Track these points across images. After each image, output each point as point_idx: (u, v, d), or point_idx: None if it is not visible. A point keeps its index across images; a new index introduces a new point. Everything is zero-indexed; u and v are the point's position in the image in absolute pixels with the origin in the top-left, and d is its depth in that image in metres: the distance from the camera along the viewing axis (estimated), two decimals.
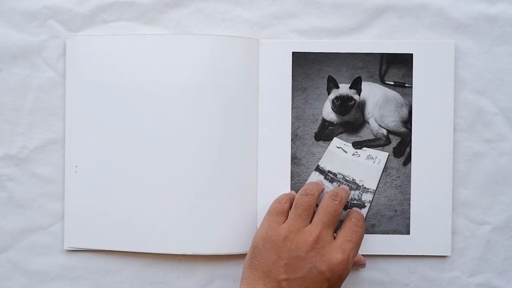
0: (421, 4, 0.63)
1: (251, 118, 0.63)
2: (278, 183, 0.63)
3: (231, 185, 0.62)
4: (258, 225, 0.63)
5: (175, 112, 0.62)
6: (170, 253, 0.63)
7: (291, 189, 0.63)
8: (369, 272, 0.63)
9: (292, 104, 0.63)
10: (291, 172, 0.63)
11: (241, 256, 0.63)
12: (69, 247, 0.63)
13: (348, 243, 0.55)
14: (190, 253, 0.62)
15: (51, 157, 0.64)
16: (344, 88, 0.63)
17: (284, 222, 0.57)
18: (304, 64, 0.63)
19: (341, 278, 0.55)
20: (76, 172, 0.63)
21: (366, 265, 0.63)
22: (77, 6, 0.64)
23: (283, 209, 0.58)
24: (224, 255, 0.63)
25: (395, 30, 0.63)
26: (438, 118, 0.63)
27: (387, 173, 0.63)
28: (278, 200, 0.59)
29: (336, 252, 0.54)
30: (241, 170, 0.62)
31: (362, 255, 0.62)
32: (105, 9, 0.64)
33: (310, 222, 0.56)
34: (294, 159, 0.63)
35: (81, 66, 0.63)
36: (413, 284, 0.63)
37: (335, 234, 0.57)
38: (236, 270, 0.63)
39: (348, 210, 0.60)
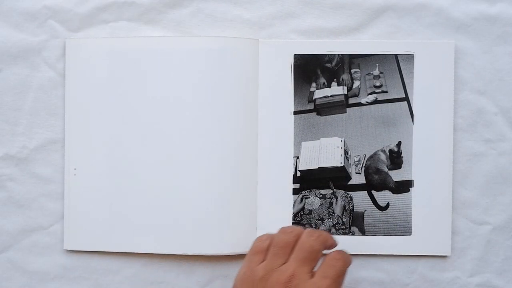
0: (421, 4, 0.63)
1: (251, 118, 0.63)
2: (278, 183, 0.63)
3: (231, 185, 0.62)
4: (258, 225, 0.63)
5: (175, 112, 0.62)
6: (170, 253, 0.63)
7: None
8: (369, 272, 0.63)
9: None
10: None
11: (241, 256, 0.63)
12: (68, 248, 0.63)
13: (324, 279, 0.52)
14: (190, 253, 0.62)
15: (51, 157, 0.64)
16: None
17: (263, 261, 0.54)
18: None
19: None
20: (75, 174, 0.63)
21: (366, 265, 0.63)
22: (77, 6, 0.64)
23: (262, 247, 0.55)
24: (224, 255, 0.63)
25: (395, 30, 0.63)
26: (438, 118, 0.63)
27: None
28: (258, 239, 0.56)
29: None
30: (241, 170, 0.62)
31: (363, 254, 0.62)
32: (105, 9, 0.64)
33: None
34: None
35: (81, 66, 0.63)
36: (413, 284, 0.63)
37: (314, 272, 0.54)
38: (236, 270, 0.63)
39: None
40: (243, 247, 0.62)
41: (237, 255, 0.63)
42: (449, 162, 0.62)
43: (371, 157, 0.63)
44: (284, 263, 0.53)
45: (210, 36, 0.63)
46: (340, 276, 0.53)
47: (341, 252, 0.54)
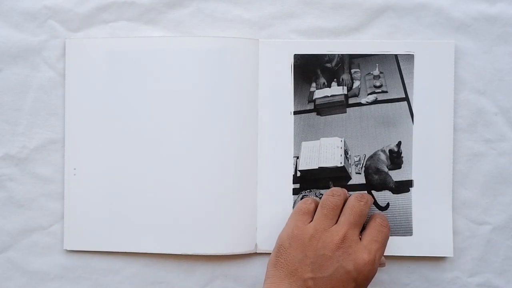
0: (421, 4, 0.63)
1: (251, 118, 0.63)
2: (278, 183, 0.63)
3: (231, 185, 0.62)
4: (258, 225, 0.63)
5: (175, 112, 0.62)
6: (170, 253, 0.63)
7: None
8: None
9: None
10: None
11: (241, 256, 0.63)
12: (68, 249, 0.63)
13: (375, 243, 0.55)
14: (190, 253, 0.62)
15: (51, 157, 0.64)
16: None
17: (310, 222, 0.57)
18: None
19: (367, 278, 0.54)
20: (74, 174, 0.63)
21: None
22: (77, 6, 0.64)
23: (309, 209, 0.57)
24: (224, 255, 0.63)
25: (395, 30, 0.63)
26: (438, 118, 0.63)
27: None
28: (303, 201, 0.58)
29: (362, 252, 0.54)
30: (241, 170, 0.62)
31: None
32: (105, 9, 0.64)
33: (336, 222, 0.56)
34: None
35: (81, 66, 0.63)
36: (413, 284, 0.63)
37: (360, 235, 0.56)
38: (236, 270, 0.63)
39: (371, 213, 0.59)
40: (243, 247, 0.62)
41: (237, 255, 0.63)
42: (449, 162, 0.62)
43: (371, 157, 0.63)
44: (333, 224, 0.56)
45: (210, 36, 0.63)
46: (386, 241, 0.57)
47: (386, 219, 0.57)
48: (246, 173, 0.63)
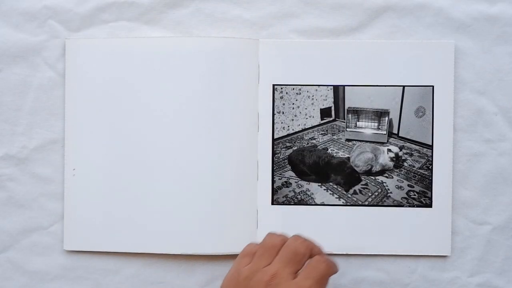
0: (421, 4, 0.63)
1: (251, 118, 0.63)
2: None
3: (231, 185, 0.62)
4: (258, 225, 0.63)
5: (175, 113, 0.62)
6: (170, 253, 0.63)
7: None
8: (369, 272, 0.63)
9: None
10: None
11: None
12: (68, 249, 0.63)
13: (306, 280, 0.52)
14: (190, 253, 0.62)
15: (51, 157, 0.64)
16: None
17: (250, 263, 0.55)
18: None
19: None
20: (74, 175, 0.63)
21: (366, 265, 0.63)
22: (77, 6, 0.64)
23: (251, 251, 0.56)
24: (224, 255, 0.63)
25: (395, 30, 0.63)
26: (438, 118, 0.63)
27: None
28: (249, 244, 0.57)
29: None
30: (241, 170, 0.62)
31: (363, 254, 0.62)
32: (105, 9, 0.64)
33: None
34: None
35: (81, 66, 0.63)
36: (413, 284, 0.63)
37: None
38: None
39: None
40: (243, 247, 0.62)
41: (237, 255, 0.63)
42: (449, 162, 0.62)
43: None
44: (269, 264, 0.53)
45: (210, 37, 0.63)
46: (323, 279, 0.53)
47: (325, 256, 0.54)
48: (246, 173, 0.63)
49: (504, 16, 0.63)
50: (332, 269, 0.54)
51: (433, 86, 0.63)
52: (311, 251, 0.54)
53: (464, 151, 0.63)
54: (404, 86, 0.63)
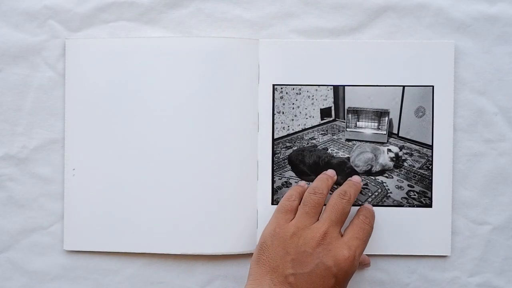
0: (421, 4, 0.63)
1: (251, 118, 0.63)
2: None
3: (231, 185, 0.62)
4: (259, 225, 0.63)
5: (175, 113, 0.62)
6: (170, 253, 0.63)
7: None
8: (369, 272, 0.63)
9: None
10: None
11: (241, 256, 0.63)
12: (68, 249, 0.63)
13: (355, 240, 0.55)
14: (190, 253, 0.62)
15: (51, 157, 0.64)
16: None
17: (293, 219, 0.57)
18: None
19: (347, 274, 0.55)
20: (73, 175, 0.63)
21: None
22: (77, 6, 0.64)
23: (292, 206, 0.58)
24: (224, 255, 0.63)
25: (395, 30, 0.63)
26: (438, 118, 0.63)
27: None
28: (287, 198, 0.59)
29: (342, 249, 0.54)
30: (241, 170, 0.62)
31: (363, 254, 0.62)
32: (105, 9, 0.64)
33: (318, 220, 0.57)
34: None
35: (81, 66, 0.63)
36: (413, 284, 0.63)
37: (342, 232, 0.57)
38: (236, 270, 0.63)
39: (359, 206, 0.60)
40: (243, 247, 0.62)
41: (237, 255, 0.63)
42: (449, 162, 0.62)
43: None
44: (315, 222, 0.56)
45: (210, 37, 0.63)
46: (368, 238, 0.57)
47: (369, 216, 0.58)
48: (246, 173, 0.63)
49: (504, 16, 0.63)
50: (372, 228, 0.58)
51: (433, 86, 0.63)
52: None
53: (464, 151, 0.63)
54: (404, 86, 0.63)
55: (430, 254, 0.63)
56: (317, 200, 0.57)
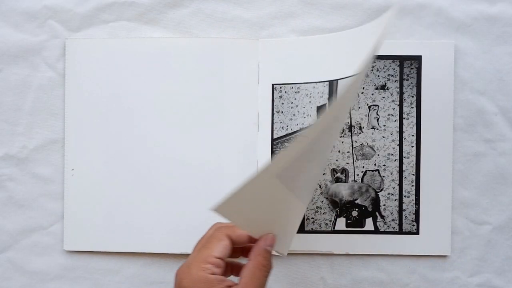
0: (421, 4, 0.63)
1: (251, 118, 0.63)
2: None
3: (231, 185, 0.62)
4: None
5: (174, 113, 0.62)
6: (170, 253, 0.63)
7: None
8: (369, 272, 0.63)
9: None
10: None
11: None
12: (68, 249, 0.63)
13: None
14: (190, 253, 0.62)
15: (51, 157, 0.64)
16: None
17: None
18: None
19: None
20: (72, 175, 0.63)
21: (366, 265, 0.63)
22: (77, 6, 0.64)
23: None
24: None
25: (395, 30, 0.63)
26: (438, 118, 0.63)
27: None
28: None
29: None
30: (241, 170, 0.62)
31: (363, 254, 0.62)
32: (105, 9, 0.64)
33: None
34: None
35: (81, 66, 0.63)
36: (413, 284, 0.63)
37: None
38: None
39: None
40: None
41: None
42: (449, 162, 0.62)
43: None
44: None
45: (210, 37, 0.63)
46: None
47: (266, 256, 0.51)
48: (246, 173, 0.63)
49: (504, 16, 0.63)
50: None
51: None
52: None
53: (464, 151, 0.63)
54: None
55: (430, 254, 0.63)
56: None
